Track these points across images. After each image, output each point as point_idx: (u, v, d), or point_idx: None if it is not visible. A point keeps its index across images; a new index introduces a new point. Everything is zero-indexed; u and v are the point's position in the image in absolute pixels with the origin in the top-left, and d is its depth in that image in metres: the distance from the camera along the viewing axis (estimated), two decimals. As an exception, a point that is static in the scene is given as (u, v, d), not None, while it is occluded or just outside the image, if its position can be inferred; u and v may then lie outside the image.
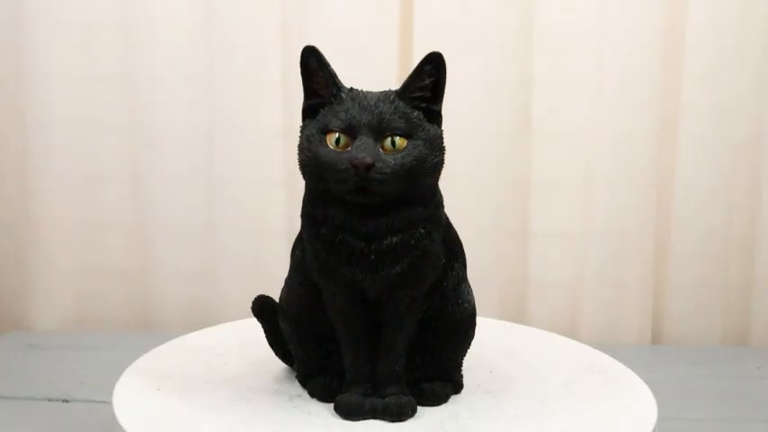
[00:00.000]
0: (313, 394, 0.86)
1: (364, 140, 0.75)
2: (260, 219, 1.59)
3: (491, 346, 0.95)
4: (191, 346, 1.04)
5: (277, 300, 0.92)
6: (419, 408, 0.83)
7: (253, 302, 0.96)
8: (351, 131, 0.76)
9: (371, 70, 1.51)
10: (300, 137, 0.80)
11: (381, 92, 0.80)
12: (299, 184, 1.65)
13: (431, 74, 0.80)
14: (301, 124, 0.81)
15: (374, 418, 0.81)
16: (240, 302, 1.58)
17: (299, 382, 0.89)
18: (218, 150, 1.56)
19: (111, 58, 1.55)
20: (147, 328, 1.63)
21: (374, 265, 0.77)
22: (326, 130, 0.77)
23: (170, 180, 1.58)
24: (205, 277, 1.61)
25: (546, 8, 1.50)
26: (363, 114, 0.76)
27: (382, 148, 0.76)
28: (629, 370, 0.98)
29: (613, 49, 1.49)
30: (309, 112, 0.80)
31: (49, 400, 1.24)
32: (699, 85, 1.50)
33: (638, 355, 1.45)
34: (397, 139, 0.76)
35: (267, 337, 0.96)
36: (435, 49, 1.55)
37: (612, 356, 1.02)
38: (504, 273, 1.57)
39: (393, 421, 0.81)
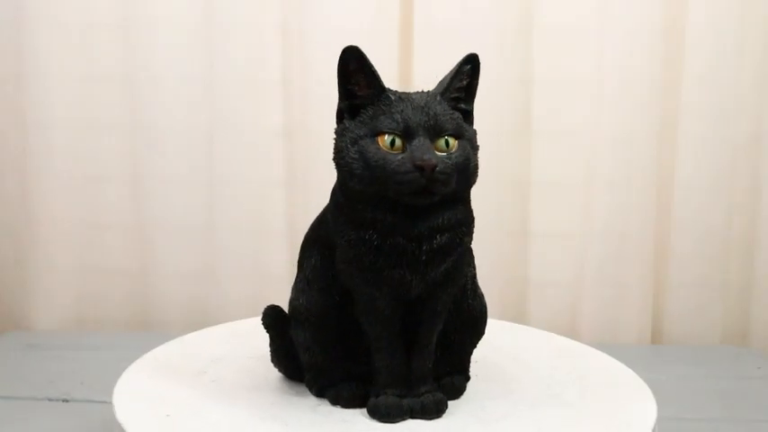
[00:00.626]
0: (337, 401, 0.84)
1: (422, 142, 0.75)
2: (260, 219, 1.59)
3: (491, 346, 0.95)
4: (191, 346, 1.04)
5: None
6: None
7: (265, 314, 0.91)
8: (407, 133, 0.75)
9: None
10: (341, 139, 0.78)
11: (425, 93, 0.79)
12: (299, 184, 1.67)
13: (468, 74, 0.81)
14: (338, 126, 0.80)
15: (412, 417, 0.81)
16: (240, 302, 1.60)
17: (316, 392, 0.86)
18: (218, 150, 1.56)
19: (111, 58, 1.55)
20: (147, 328, 1.63)
21: (424, 265, 0.77)
22: (379, 132, 0.76)
23: (170, 180, 1.58)
24: (205, 277, 1.61)
25: (546, 8, 1.50)
26: (418, 116, 0.76)
27: (435, 149, 0.76)
28: (629, 370, 0.98)
29: (613, 49, 1.49)
30: (346, 113, 0.79)
31: (49, 400, 1.24)
32: (699, 85, 1.50)
33: (638, 355, 1.45)
34: (450, 139, 0.77)
35: (276, 351, 0.91)
36: (435, 49, 1.56)
37: (612, 356, 1.02)
38: (505, 273, 1.57)
39: (431, 419, 0.81)
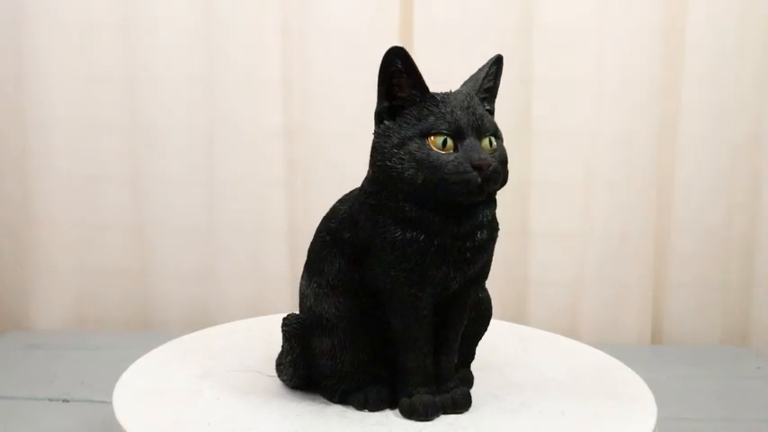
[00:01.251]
0: (365, 405, 0.83)
1: (473, 141, 0.76)
2: (260, 219, 1.59)
3: (491, 346, 0.95)
4: (191, 346, 1.04)
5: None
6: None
7: (287, 323, 0.87)
8: (458, 133, 0.76)
9: (371, 70, 1.51)
10: (384, 141, 0.78)
11: (462, 92, 0.80)
12: (299, 184, 1.66)
13: (495, 75, 0.83)
14: (379, 127, 0.79)
15: (445, 413, 0.82)
16: (240, 302, 1.60)
17: (338, 399, 0.85)
18: (218, 150, 1.56)
19: (111, 58, 1.55)
20: (147, 328, 1.63)
21: (467, 263, 0.79)
22: (430, 133, 0.76)
23: (170, 180, 1.58)
24: (205, 277, 1.62)
25: (546, 8, 1.50)
26: (467, 116, 0.77)
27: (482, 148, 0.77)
28: (629, 370, 0.98)
29: (613, 49, 1.49)
30: (385, 114, 0.80)
31: (49, 400, 1.24)
32: (699, 85, 1.50)
33: (638, 355, 1.46)
34: (493, 138, 0.79)
35: (294, 361, 0.86)
36: (435, 49, 1.56)
37: (612, 356, 1.02)
38: (505, 273, 1.57)
39: (462, 413, 0.83)
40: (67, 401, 1.24)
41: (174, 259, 1.61)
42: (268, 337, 1.05)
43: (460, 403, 0.83)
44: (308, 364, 0.85)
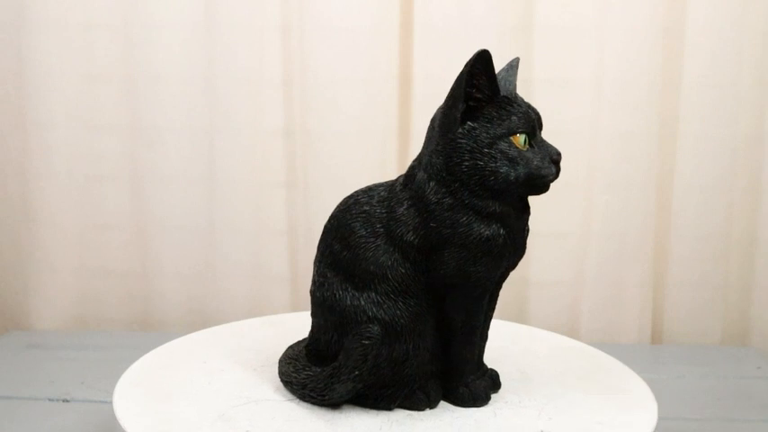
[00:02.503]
0: (428, 403, 0.84)
1: (541, 139, 0.83)
2: (260, 219, 1.59)
3: (491, 346, 0.95)
4: (191, 346, 1.04)
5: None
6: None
7: (370, 336, 0.81)
8: (533, 131, 0.82)
9: (372, 70, 1.52)
10: (470, 141, 0.79)
11: (515, 93, 0.85)
12: (299, 184, 1.66)
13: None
14: (463, 128, 0.80)
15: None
16: (240, 302, 1.60)
17: (399, 404, 0.84)
18: (219, 150, 1.56)
19: (111, 58, 1.55)
20: (147, 328, 1.63)
21: (521, 252, 0.86)
22: (515, 132, 0.80)
23: (170, 180, 1.58)
24: (205, 277, 1.62)
25: (546, 8, 1.50)
26: (534, 114, 0.83)
27: None
28: (629, 370, 0.98)
29: (613, 49, 1.49)
30: (462, 115, 0.80)
31: (50, 399, 1.24)
32: (699, 85, 1.50)
33: (638, 355, 1.46)
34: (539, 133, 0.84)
35: (362, 376, 0.82)
36: (435, 49, 1.56)
37: (612, 356, 1.02)
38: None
39: (496, 392, 0.89)
40: (67, 401, 1.24)
41: (174, 259, 1.61)
42: (268, 337, 1.05)
43: (498, 381, 0.89)
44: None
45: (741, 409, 1.25)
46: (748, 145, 1.54)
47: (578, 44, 1.51)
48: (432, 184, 0.81)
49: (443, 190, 0.80)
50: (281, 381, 0.88)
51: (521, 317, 1.58)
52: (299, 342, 0.95)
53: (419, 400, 0.84)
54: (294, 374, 0.87)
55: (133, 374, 0.93)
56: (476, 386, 0.86)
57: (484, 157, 0.79)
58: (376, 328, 0.81)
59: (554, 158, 0.82)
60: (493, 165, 0.79)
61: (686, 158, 1.53)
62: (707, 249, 1.56)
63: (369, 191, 0.86)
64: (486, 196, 0.80)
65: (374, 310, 0.82)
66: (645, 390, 0.91)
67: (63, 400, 1.24)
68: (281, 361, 0.91)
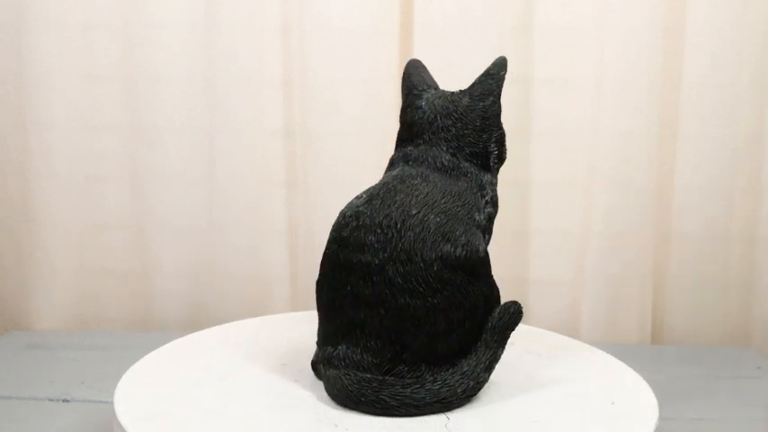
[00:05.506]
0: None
1: None
2: (260, 219, 1.59)
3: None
4: (191, 346, 1.04)
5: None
6: (417, 410, 0.84)
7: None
8: None
9: (372, 70, 1.52)
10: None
11: None
12: (299, 184, 1.66)
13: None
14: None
15: None
16: (240, 302, 1.60)
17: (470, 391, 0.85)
18: (219, 150, 1.56)
19: (111, 58, 1.55)
20: (147, 328, 1.63)
21: None
22: None
23: (170, 180, 1.58)
24: (205, 277, 1.62)
25: (546, 8, 1.50)
26: None
27: None
28: (629, 369, 0.98)
29: (613, 48, 1.49)
30: None
31: (50, 400, 1.24)
32: (699, 85, 1.50)
33: (638, 355, 1.45)
34: None
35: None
36: (435, 49, 1.56)
37: (612, 356, 1.02)
38: (505, 271, 1.56)
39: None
40: (67, 401, 1.24)
41: (174, 259, 1.61)
42: (268, 337, 1.05)
43: None
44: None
45: (741, 409, 1.25)
46: (748, 145, 1.54)
47: (578, 44, 1.51)
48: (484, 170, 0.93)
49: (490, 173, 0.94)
50: (394, 409, 0.82)
51: (521, 317, 1.58)
52: (327, 379, 0.87)
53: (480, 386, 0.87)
54: (421, 388, 0.83)
55: (133, 374, 0.93)
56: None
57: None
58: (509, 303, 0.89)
59: None
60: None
61: (686, 158, 1.53)
62: (707, 249, 1.56)
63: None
64: None
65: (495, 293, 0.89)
66: (645, 389, 0.91)
67: (63, 400, 1.24)
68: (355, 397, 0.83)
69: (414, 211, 0.84)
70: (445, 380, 0.83)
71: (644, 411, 0.85)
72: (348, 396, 0.82)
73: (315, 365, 0.90)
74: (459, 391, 0.83)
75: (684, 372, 1.40)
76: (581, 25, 1.50)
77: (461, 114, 0.91)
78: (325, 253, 0.88)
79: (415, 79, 0.96)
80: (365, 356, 0.83)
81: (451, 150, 0.91)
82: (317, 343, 0.90)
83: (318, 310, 0.89)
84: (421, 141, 0.92)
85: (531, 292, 1.59)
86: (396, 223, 0.83)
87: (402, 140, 0.95)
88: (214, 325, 1.15)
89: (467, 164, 0.91)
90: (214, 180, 1.58)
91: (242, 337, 1.06)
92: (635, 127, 1.51)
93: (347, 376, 0.83)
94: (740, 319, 1.60)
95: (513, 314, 0.88)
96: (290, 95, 1.55)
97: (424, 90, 0.95)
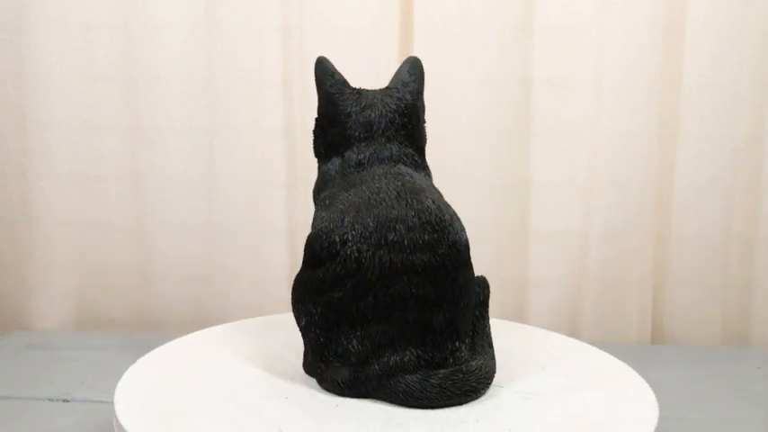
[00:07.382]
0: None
1: None
2: (260, 219, 1.59)
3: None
4: (191, 346, 1.04)
5: None
6: (418, 410, 0.84)
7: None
8: None
9: (372, 70, 1.52)
10: None
11: None
12: (299, 184, 1.66)
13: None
14: None
15: None
16: (240, 302, 1.60)
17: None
18: (219, 150, 1.57)
19: (111, 58, 1.55)
20: (147, 328, 1.63)
21: None
22: None
23: (170, 180, 1.58)
24: (205, 277, 1.62)
25: (546, 8, 1.50)
26: None
27: None
28: (629, 369, 0.98)
29: (613, 48, 1.49)
30: None
31: (50, 400, 1.24)
32: (699, 85, 1.50)
33: (638, 355, 1.45)
34: None
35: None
36: (435, 49, 1.56)
37: (613, 356, 1.02)
38: (505, 272, 1.57)
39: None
40: (67, 401, 1.24)
41: (174, 259, 1.61)
42: (268, 337, 1.05)
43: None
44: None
45: (741, 409, 1.25)
46: (748, 145, 1.54)
47: (578, 44, 1.51)
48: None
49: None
50: (418, 402, 0.83)
51: (521, 316, 1.58)
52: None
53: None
54: (445, 378, 0.84)
55: (134, 374, 0.93)
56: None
57: None
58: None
59: None
60: None
61: (686, 158, 1.53)
62: (707, 249, 1.56)
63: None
64: None
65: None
66: (645, 389, 0.91)
67: (63, 400, 1.24)
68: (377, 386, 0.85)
69: (442, 206, 0.86)
70: (485, 359, 0.88)
71: (644, 411, 0.85)
72: (442, 393, 0.83)
73: (340, 382, 0.86)
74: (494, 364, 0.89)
75: (684, 372, 1.40)
76: (581, 25, 1.50)
77: (411, 111, 0.95)
78: (359, 263, 0.83)
79: (339, 77, 1.01)
80: (435, 354, 0.84)
81: (414, 146, 0.95)
82: (327, 362, 0.87)
83: (344, 325, 0.86)
84: (373, 141, 0.94)
85: (531, 293, 1.59)
86: (440, 220, 0.84)
87: (336, 145, 1.00)
88: (214, 325, 1.15)
89: (420, 158, 0.96)
90: (214, 180, 1.58)
91: (242, 338, 1.06)
92: (635, 127, 1.52)
93: (435, 377, 0.83)
94: (740, 319, 1.60)
95: (488, 287, 0.94)
96: (290, 95, 1.55)
97: (358, 89, 0.99)
